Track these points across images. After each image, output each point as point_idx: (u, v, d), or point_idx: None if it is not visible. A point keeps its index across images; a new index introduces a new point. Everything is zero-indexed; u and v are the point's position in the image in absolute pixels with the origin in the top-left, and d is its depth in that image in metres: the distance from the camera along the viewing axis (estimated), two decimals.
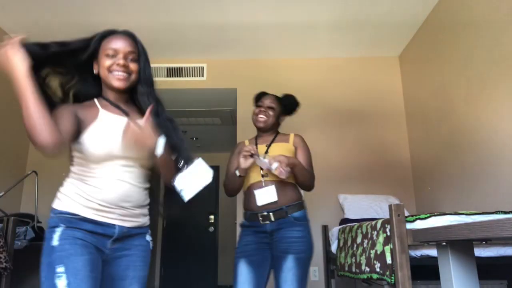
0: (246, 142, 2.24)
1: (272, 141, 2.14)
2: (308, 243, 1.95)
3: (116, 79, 1.39)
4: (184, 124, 5.34)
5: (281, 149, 2.07)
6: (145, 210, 1.47)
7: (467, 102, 2.80)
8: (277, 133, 2.22)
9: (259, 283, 1.93)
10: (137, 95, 1.45)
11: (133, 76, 1.42)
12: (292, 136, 2.18)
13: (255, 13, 3.33)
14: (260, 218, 1.96)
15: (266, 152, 2.07)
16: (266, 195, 1.96)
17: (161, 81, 3.94)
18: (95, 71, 1.44)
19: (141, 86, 1.44)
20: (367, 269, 2.08)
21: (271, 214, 1.95)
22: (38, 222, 2.87)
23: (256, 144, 2.15)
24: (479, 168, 2.67)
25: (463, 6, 2.84)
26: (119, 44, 1.40)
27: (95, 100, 1.45)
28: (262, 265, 1.95)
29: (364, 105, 3.96)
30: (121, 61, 1.38)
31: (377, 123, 3.92)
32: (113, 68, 1.39)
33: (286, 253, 1.89)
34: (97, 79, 1.46)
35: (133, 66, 1.41)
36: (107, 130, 1.36)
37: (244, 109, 3.90)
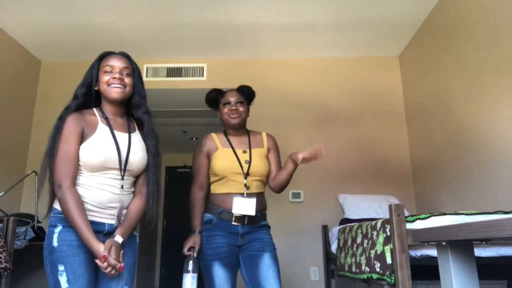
0: (214, 136, 2.15)
1: (250, 146, 2.09)
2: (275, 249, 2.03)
3: (114, 91, 1.60)
4: (184, 124, 5.34)
5: (259, 157, 2.06)
6: None
7: (467, 102, 2.80)
8: (248, 131, 2.17)
9: (234, 284, 1.95)
10: (131, 108, 1.68)
11: (128, 89, 1.64)
12: (264, 137, 2.16)
13: (255, 13, 3.33)
14: (233, 219, 1.95)
15: (249, 161, 2.03)
16: (245, 206, 1.96)
17: (161, 81, 3.94)
18: (96, 88, 1.65)
19: (135, 98, 1.67)
20: (367, 269, 2.09)
21: (246, 217, 1.96)
22: (38, 222, 2.86)
23: (232, 146, 2.08)
24: (479, 168, 2.67)
25: (463, 6, 2.84)
26: (115, 62, 1.64)
27: (95, 111, 1.64)
28: (235, 267, 1.97)
29: (364, 105, 3.96)
30: (117, 75, 1.60)
31: (377, 123, 3.92)
32: (110, 82, 1.61)
33: (262, 251, 1.94)
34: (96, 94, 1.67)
35: (127, 80, 1.63)
36: (104, 143, 1.55)
37: None
